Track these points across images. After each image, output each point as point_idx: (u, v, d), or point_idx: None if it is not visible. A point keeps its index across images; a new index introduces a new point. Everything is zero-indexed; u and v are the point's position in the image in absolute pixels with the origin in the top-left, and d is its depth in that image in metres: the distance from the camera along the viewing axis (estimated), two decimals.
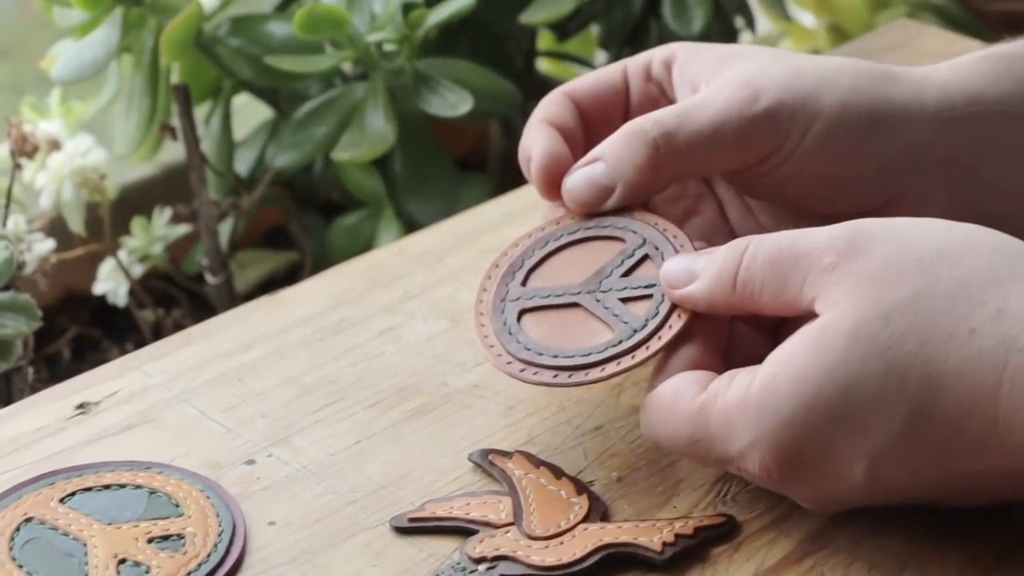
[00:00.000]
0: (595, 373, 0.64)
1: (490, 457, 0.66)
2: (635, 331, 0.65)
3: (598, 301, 0.66)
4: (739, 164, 0.69)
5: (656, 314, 0.65)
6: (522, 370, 0.65)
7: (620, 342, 0.65)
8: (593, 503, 0.64)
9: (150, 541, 0.62)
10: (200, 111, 0.99)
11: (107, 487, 0.65)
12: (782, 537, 0.63)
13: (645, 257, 0.67)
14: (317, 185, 1.01)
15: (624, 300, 0.66)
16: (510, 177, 1.04)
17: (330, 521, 0.64)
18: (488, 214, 0.83)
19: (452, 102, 0.92)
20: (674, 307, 0.65)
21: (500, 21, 1.02)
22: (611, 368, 0.64)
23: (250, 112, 1.03)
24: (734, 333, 0.66)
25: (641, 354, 0.64)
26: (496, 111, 0.98)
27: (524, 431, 0.68)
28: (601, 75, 0.73)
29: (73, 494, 0.64)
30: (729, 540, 0.63)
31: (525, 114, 0.75)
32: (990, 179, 0.70)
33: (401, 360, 0.72)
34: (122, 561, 0.61)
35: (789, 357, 0.59)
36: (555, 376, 0.65)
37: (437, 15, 0.92)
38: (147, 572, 0.61)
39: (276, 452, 0.67)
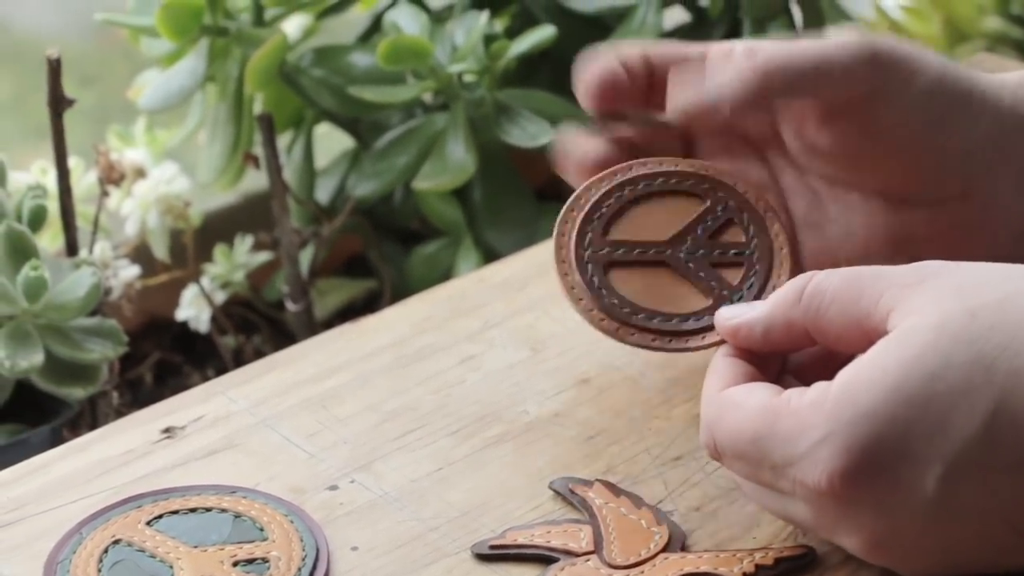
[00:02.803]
0: (695, 341, 0.65)
1: (570, 486, 0.67)
2: (732, 303, 0.65)
3: (688, 264, 0.67)
4: (844, 92, 0.68)
5: (751, 285, 0.66)
6: (617, 329, 0.65)
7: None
8: (673, 533, 0.64)
9: (235, 564, 0.63)
10: (283, 140, 1.00)
11: (193, 510, 0.65)
12: (863, 569, 0.62)
13: (730, 220, 0.68)
14: (397, 214, 1.02)
15: (715, 264, 0.66)
16: None
17: (412, 547, 0.65)
18: None
19: (532, 132, 0.92)
20: (768, 278, 0.65)
21: (580, 52, 1.03)
22: (711, 338, 0.64)
23: (332, 141, 1.04)
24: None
25: None
26: None
27: (604, 460, 0.68)
28: (682, 47, 0.72)
29: (160, 517, 0.65)
30: (809, 571, 0.63)
31: None
32: None
33: (482, 388, 0.73)
34: None
35: (870, 356, 0.58)
36: (653, 340, 0.65)
37: (518, 46, 0.93)
38: None
39: (358, 478, 0.68)
